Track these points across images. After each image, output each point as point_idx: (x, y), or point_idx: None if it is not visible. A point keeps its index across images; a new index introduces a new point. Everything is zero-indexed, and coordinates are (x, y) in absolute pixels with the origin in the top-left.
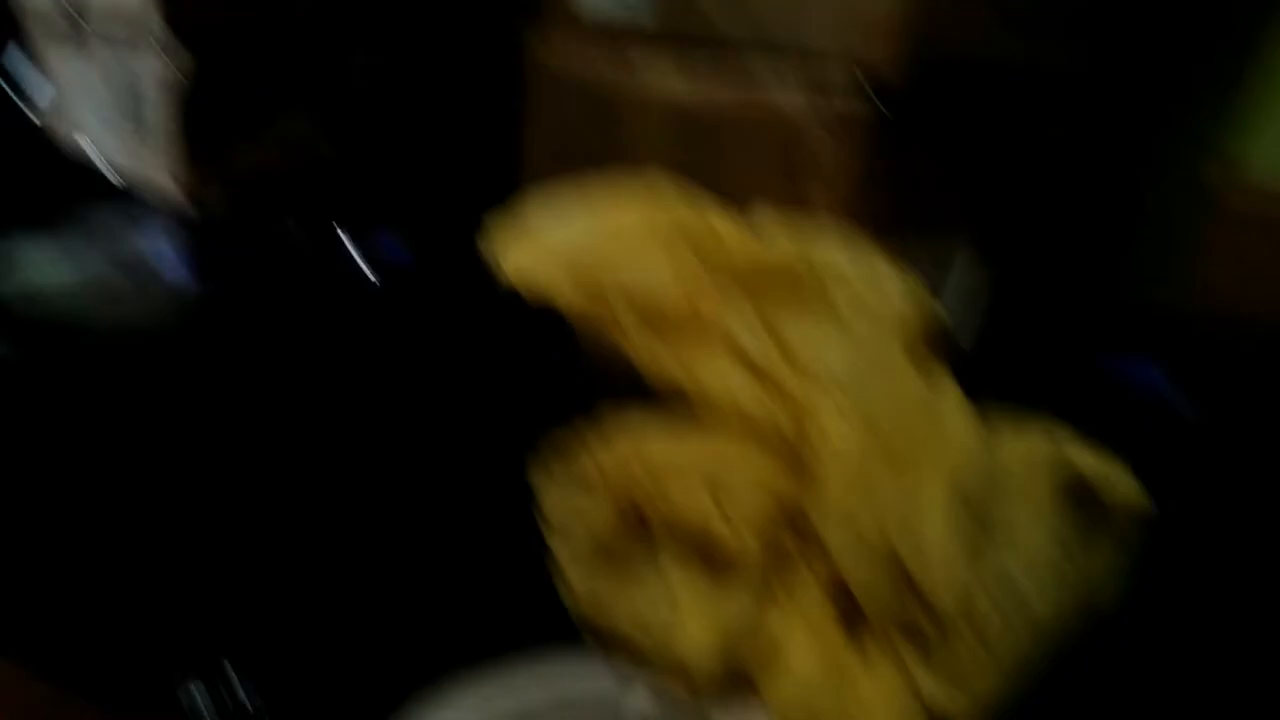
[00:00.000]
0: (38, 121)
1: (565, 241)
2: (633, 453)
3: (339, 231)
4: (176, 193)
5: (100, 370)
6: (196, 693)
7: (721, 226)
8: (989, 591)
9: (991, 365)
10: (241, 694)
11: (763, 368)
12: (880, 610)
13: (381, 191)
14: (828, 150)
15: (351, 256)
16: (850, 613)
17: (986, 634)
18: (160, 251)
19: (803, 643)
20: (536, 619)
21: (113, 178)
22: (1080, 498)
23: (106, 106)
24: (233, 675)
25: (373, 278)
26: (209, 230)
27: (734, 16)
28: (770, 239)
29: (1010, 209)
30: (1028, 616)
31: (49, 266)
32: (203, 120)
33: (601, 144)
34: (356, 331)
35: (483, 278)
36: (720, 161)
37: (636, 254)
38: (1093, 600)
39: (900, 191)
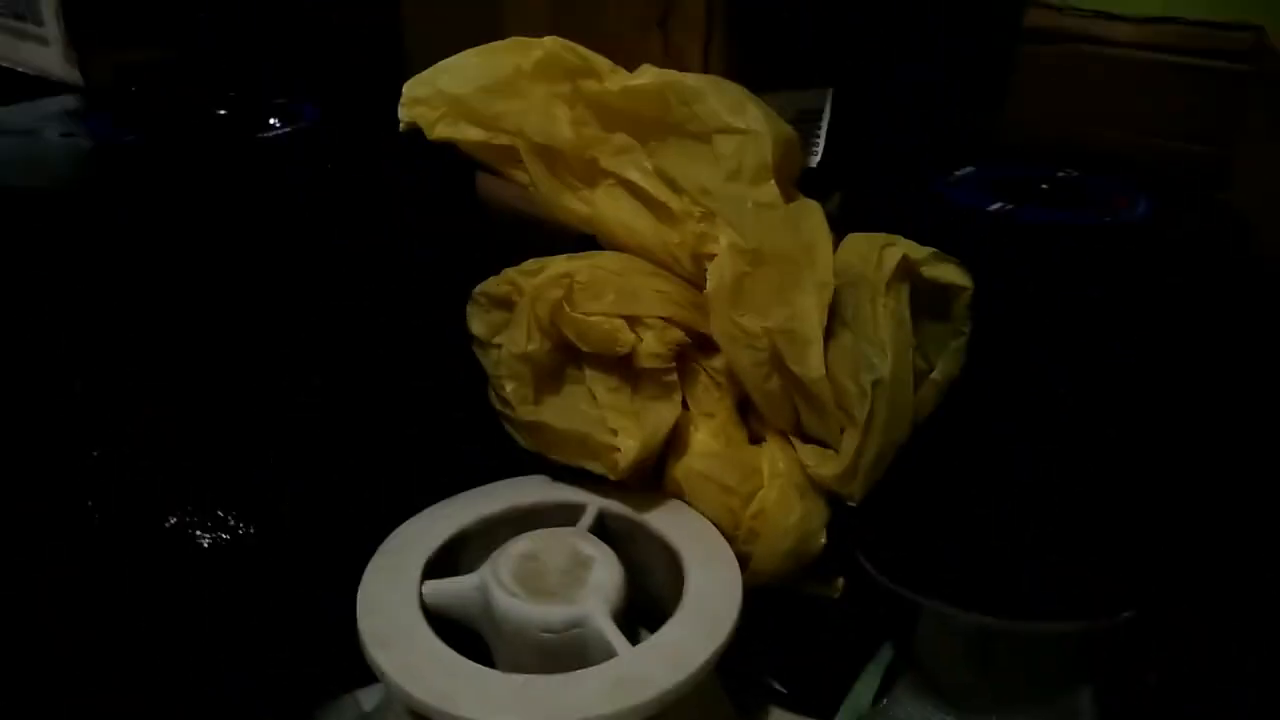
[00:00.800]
0: None
1: (463, 85)
2: (549, 278)
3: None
4: (71, 75)
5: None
6: (189, 521)
7: (598, 63)
8: (844, 366)
9: (834, 180)
10: (230, 519)
11: (658, 201)
12: (768, 400)
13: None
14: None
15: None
16: (745, 411)
17: (845, 402)
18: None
19: (703, 429)
20: (487, 458)
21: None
22: (918, 286)
23: None
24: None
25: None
26: (110, 103)
27: None
28: (641, 73)
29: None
30: (875, 379)
31: None
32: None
33: (478, 15)
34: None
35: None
36: (596, 20)
37: (537, 109)
38: (941, 374)
39: (768, 43)
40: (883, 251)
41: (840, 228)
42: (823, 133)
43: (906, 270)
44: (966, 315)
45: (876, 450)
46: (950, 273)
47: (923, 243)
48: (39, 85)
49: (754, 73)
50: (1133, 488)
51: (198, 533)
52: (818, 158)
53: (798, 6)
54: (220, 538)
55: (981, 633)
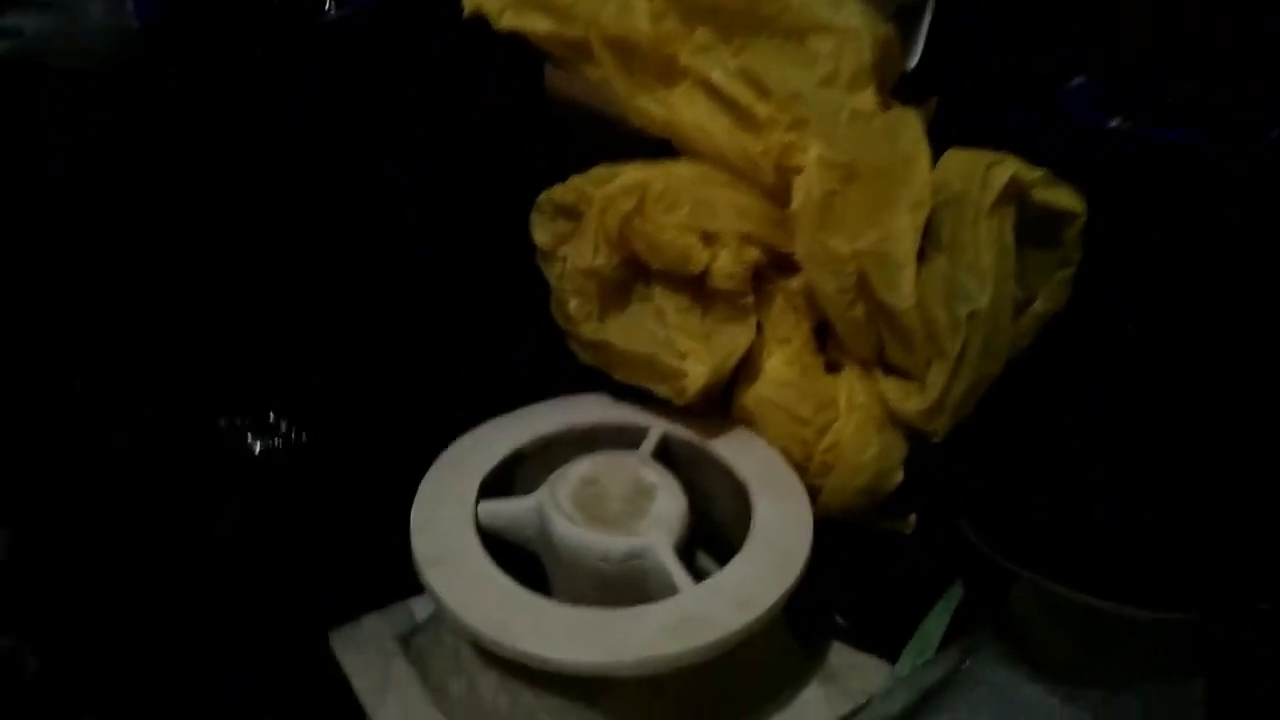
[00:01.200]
0: None
1: None
2: (621, 188)
3: None
4: None
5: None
6: (241, 424)
7: None
8: (936, 294)
9: (933, 85)
10: (284, 426)
11: (741, 105)
12: (850, 328)
13: None
14: None
15: None
16: (822, 337)
17: (935, 332)
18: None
19: (778, 355)
20: (546, 373)
21: None
22: (1023, 209)
23: None
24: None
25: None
26: None
27: None
28: None
29: None
30: (971, 310)
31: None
32: None
33: None
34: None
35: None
36: None
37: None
38: (1043, 306)
39: None
40: (989, 170)
41: (935, 138)
42: (923, 32)
43: (1014, 192)
44: (1078, 244)
45: (966, 386)
46: (1063, 197)
47: (1027, 159)
48: None
49: None
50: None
51: (249, 436)
52: (916, 59)
53: None
54: (272, 442)
55: (1092, 613)
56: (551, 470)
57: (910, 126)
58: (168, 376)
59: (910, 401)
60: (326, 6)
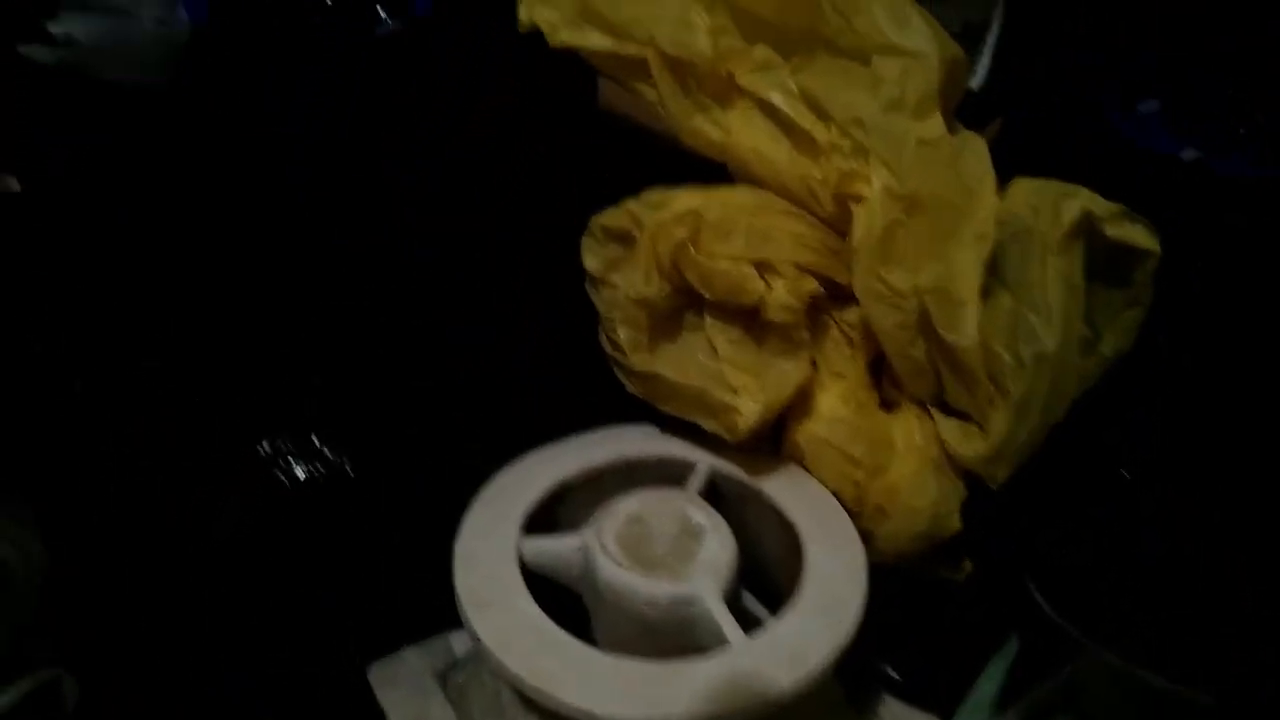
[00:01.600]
0: None
1: None
2: (674, 215)
3: None
4: None
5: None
6: (282, 444)
7: None
8: (1000, 333)
9: (1001, 106)
10: (326, 450)
11: (800, 129)
12: (909, 366)
13: None
14: None
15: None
16: (877, 372)
17: (998, 373)
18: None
19: (832, 391)
20: (595, 403)
21: None
22: (1093, 244)
23: None
24: (317, 439)
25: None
26: None
27: None
28: None
29: None
30: (1037, 352)
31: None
32: None
33: None
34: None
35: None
36: None
37: (672, 15)
38: (1110, 347)
39: None
40: (1059, 203)
41: (997, 163)
42: (988, 50)
43: (1085, 227)
44: (1149, 284)
45: (1029, 432)
46: (1138, 235)
47: (1092, 188)
48: None
49: None
50: None
51: (292, 462)
52: (980, 79)
53: None
54: (315, 468)
55: (1172, 697)
56: (595, 503)
57: (976, 154)
58: (208, 399)
59: (970, 445)
60: (381, 17)
